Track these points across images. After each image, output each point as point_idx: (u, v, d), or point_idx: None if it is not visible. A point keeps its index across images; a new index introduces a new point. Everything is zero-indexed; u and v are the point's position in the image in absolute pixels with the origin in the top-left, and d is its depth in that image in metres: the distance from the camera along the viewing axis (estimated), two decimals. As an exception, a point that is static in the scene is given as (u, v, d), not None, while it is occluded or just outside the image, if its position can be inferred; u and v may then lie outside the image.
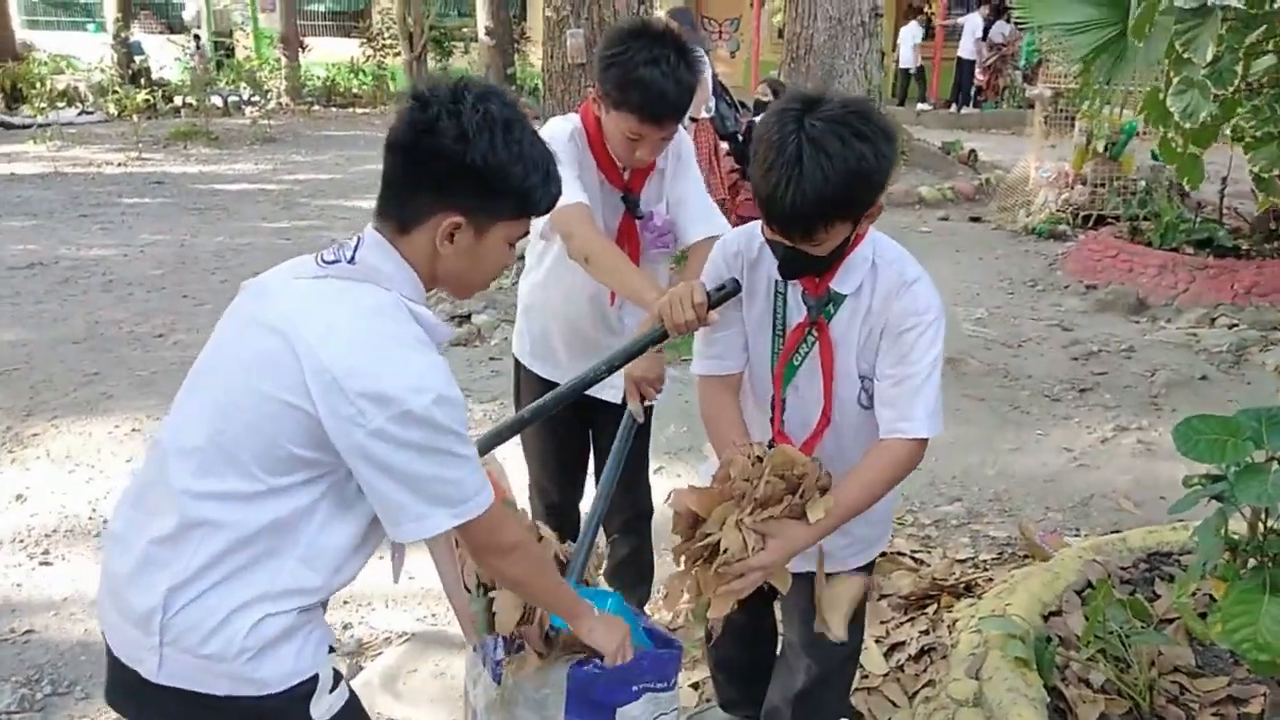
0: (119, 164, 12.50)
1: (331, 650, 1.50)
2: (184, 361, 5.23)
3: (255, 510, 1.35)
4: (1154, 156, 8.67)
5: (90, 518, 3.67)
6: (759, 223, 1.84)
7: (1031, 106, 10.86)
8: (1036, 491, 3.91)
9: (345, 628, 3.04)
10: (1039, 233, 8.54)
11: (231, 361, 1.41)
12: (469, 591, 1.87)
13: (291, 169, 12.52)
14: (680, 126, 2.37)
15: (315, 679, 1.44)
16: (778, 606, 2.29)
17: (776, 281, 1.86)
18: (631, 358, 2.08)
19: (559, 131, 2.23)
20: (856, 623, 2.17)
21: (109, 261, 7.50)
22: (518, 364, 2.63)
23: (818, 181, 1.58)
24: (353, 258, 1.41)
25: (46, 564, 3.38)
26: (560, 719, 1.84)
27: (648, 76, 2.08)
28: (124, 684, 1.43)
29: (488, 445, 2.01)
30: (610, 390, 2.44)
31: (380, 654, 2.91)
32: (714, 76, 6.49)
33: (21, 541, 3.51)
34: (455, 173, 1.37)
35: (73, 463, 4.12)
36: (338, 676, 1.49)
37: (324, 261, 1.42)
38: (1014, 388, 5.03)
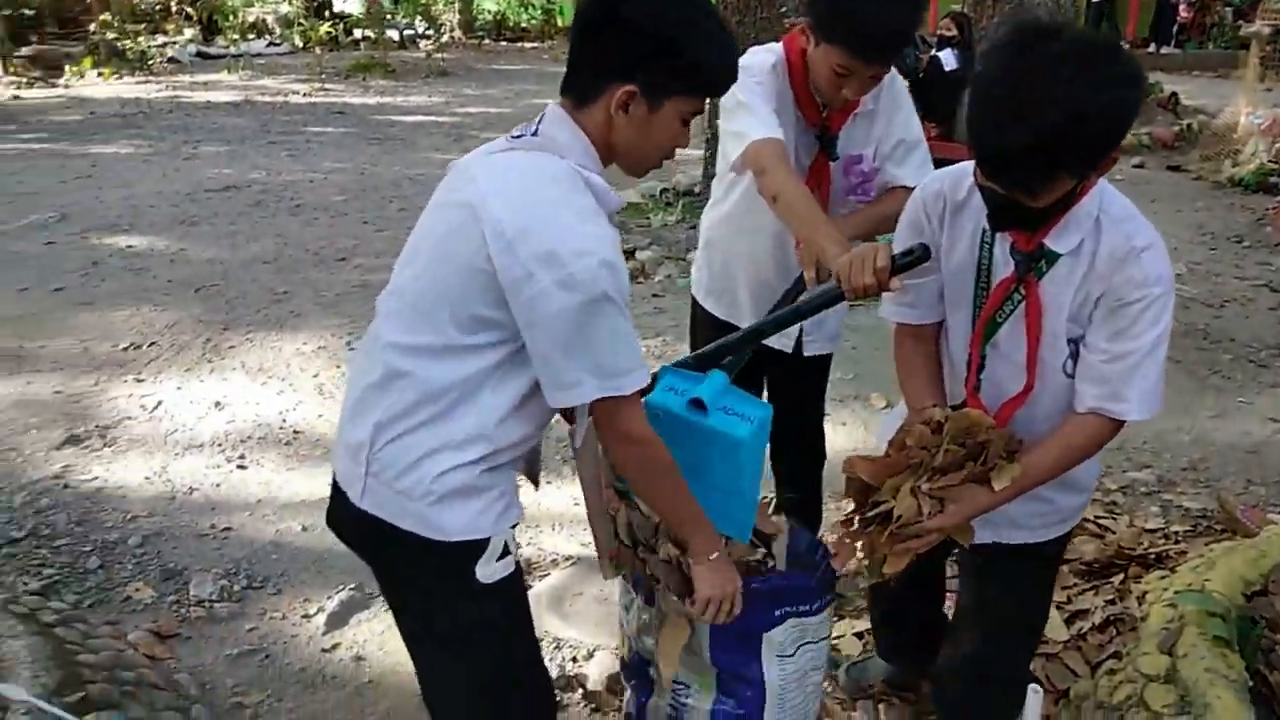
0: (304, 94, 13.09)
1: (514, 527, 1.61)
2: (365, 284, 5.50)
3: (445, 366, 1.49)
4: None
5: (281, 427, 3.91)
6: (971, 163, 1.70)
7: (1245, 46, 9.96)
8: (1237, 462, 3.63)
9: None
10: (1246, 185, 7.87)
11: (433, 232, 1.54)
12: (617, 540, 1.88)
13: (463, 102, 12.81)
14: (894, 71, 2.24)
15: (487, 542, 1.55)
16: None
17: (984, 230, 1.72)
18: (803, 317, 2.00)
19: (760, 62, 2.13)
20: (1042, 595, 2.07)
21: (296, 186, 7.88)
22: (695, 301, 2.58)
23: (1040, 127, 1.40)
24: (536, 130, 1.52)
25: (242, 467, 3.62)
26: (705, 650, 1.83)
27: (861, 8, 1.94)
28: (340, 507, 1.64)
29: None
30: (784, 339, 2.37)
31: (547, 575, 2.99)
32: None
33: (220, 445, 3.76)
34: (633, 43, 1.45)
35: (265, 375, 4.38)
36: (507, 549, 1.59)
37: (512, 137, 1.54)
38: (1215, 350, 4.67)
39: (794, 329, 2.34)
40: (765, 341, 2.34)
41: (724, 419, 1.72)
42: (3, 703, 2.14)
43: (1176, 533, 3.06)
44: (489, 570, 1.57)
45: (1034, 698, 1.53)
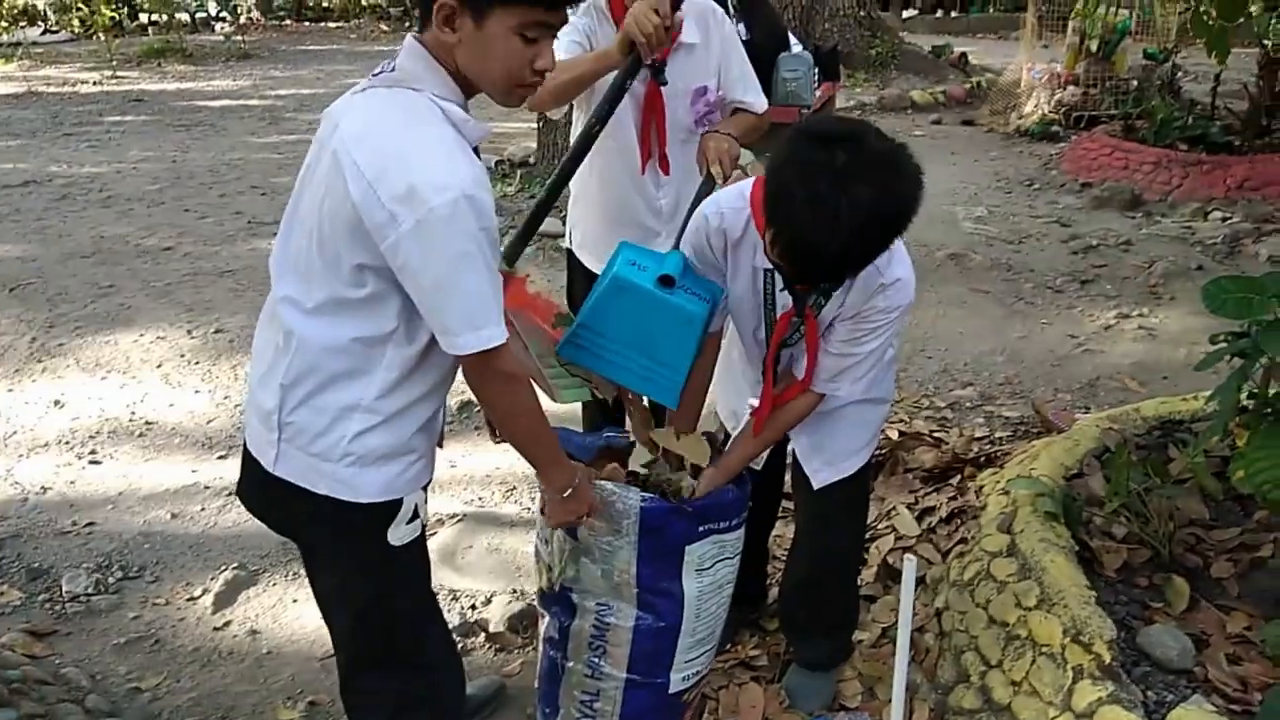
0: (94, 82, 12.26)
1: (424, 489, 1.64)
2: (196, 272, 5.31)
3: (342, 322, 1.46)
4: (1146, 55, 8.71)
5: (131, 419, 3.76)
6: (744, 196, 1.85)
7: (1022, 9, 10.80)
8: (1045, 375, 4.06)
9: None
10: (1032, 134, 8.60)
11: (307, 184, 1.50)
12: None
13: (272, 84, 12.30)
14: (715, 4, 2.43)
15: (400, 504, 1.58)
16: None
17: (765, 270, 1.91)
18: (617, 92, 2.19)
19: (581, 4, 2.34)
20: (858, 513, 2.31)
21: (104, 178, 7.42)
22: (570, 256, 2.69)
23: (857, 241, 1.54)
24: (394, 66, 1.46)
25: (95, 462, 3.48)
26: (631, 569, 1.95)
27: None
28: (251, 477, 1.63)
29: (514, 251, 2.12)
30: None
31: (434, 534, 3.05)
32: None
33: (67, 443, 3.60)
34: None
35: (104, 370, 4.18)
36: (417, 512, 1.62)
37: (373, 75, 1.49)
38: (1018, 281, 5.16)
39: None
40: None
41: (685, 297, 1.84)
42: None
43: (1000, 438, 3.43)
44: (400, 533, 1.59)
45: (909, 565, 1.74)
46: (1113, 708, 1.88)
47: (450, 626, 2.06)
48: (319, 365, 1.48)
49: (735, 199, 1.88)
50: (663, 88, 2.35)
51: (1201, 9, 2.17)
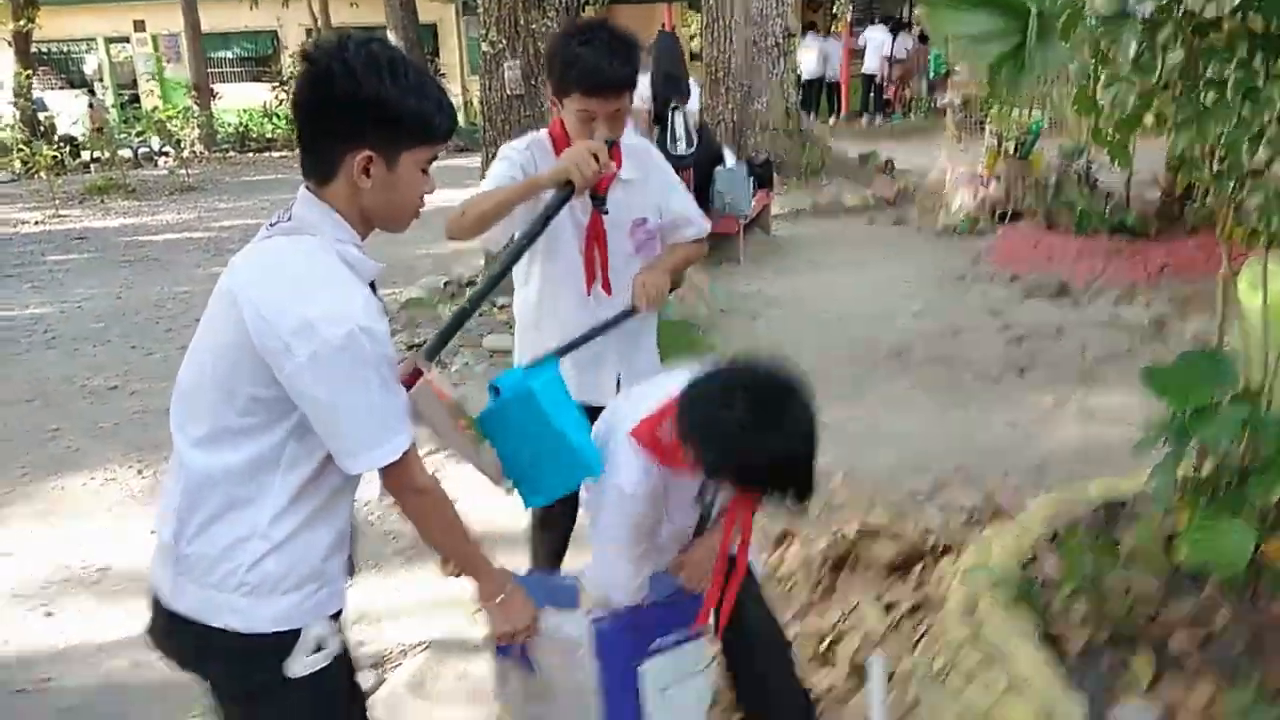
0: (36, 222, 12.26)
1: (335, 617, 1.65)
2: (144, 410, 5.27)
3: (233, 451, 1.52)
4: (1061, 152, 9.19)
5: (84, 567, 3.69)
6: (641, 457, 1.91)
7: (941, 114, 11.37)
8: (994, 462, 4.17)
9: (359, 644, 3.12)
10: (960, 230, 8.96)
11: (204, 328, 1.59)
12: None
13: (216, 216, 12.40)
14: (650, 144, 2.59)
15: (298, 634, 1.58)
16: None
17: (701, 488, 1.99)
18: (549, 213, 2.23)
19: (517, 141, 2.49)
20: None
21: (47, 319, 7.39)
22: None
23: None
24: (289, 215, 1.57)
25: (49, 614, 3.40)
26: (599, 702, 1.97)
27: (583, 53, 2.29)
28: (154, 614, 1.64)
29: (435, 348, 2.15)
30: (604, 394, 2.57)
31: (400, 665, 3.01)
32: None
33: (19, 596, 3.51)
34: (353, 112, 1.50)
35: (54, 516, 4.11)
36: (321, 646, 1.60)
37: (270, 225, 1.59)
38: (958, 371, 5.32)
39: (610, 382, 2.55)
40: (586, 398, 2.56)
41: (512, 387, 1.91)
42: None
43: (956, 526, 3.50)
44: (300, 664, 1.58)
45: (877, 665, 1.77)
46: (1088, 791, 1.91)
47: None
48: (210, 495, 1.53)
49: (636, 466, 1.92)
50: (604, 216, 2.47)
51: (1100, 125, 2.35)
